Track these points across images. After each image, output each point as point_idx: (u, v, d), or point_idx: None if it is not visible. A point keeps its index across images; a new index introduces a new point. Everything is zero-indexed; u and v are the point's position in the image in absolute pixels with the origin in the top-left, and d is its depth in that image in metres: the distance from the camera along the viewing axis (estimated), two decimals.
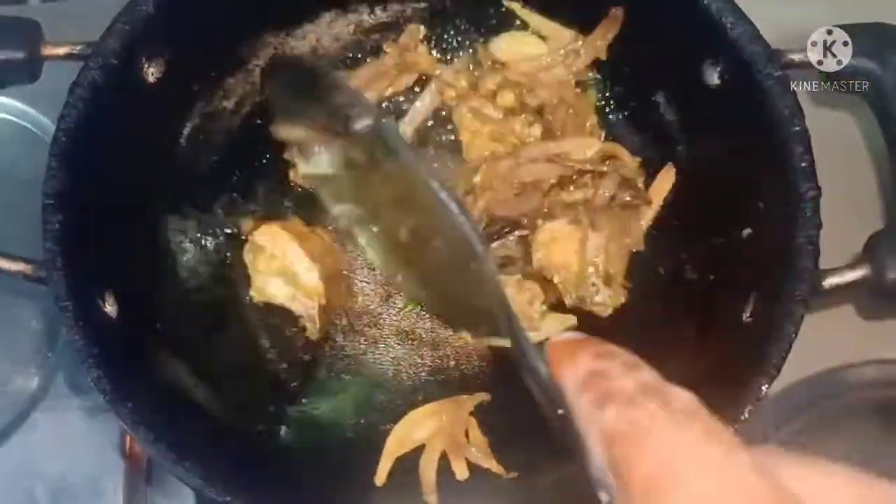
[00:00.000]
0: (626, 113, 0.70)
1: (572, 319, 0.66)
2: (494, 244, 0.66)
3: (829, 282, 0.54)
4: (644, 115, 0.68)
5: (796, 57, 0.59)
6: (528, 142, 0.69)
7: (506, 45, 0.71)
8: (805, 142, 0.54)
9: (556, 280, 0.64)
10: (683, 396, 0.30)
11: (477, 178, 0.67)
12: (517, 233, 0.66)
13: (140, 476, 0.67)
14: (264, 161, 0.70)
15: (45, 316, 0.74)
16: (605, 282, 0.65)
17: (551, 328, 0.66)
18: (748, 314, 0.55)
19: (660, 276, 0.66)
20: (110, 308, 0.54)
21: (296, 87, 0.54)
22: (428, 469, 0.60)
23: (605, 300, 0.65)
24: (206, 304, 0.64)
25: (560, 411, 0.33)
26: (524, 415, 0.62)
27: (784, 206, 0.54)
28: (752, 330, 0.54)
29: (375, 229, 0.49)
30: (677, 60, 0.63)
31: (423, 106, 0.71)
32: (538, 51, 0.70)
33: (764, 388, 0.50)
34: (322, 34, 0.71)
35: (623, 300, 0.65)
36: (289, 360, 0.65)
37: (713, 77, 0.61)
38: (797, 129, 0.55)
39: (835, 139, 0.66)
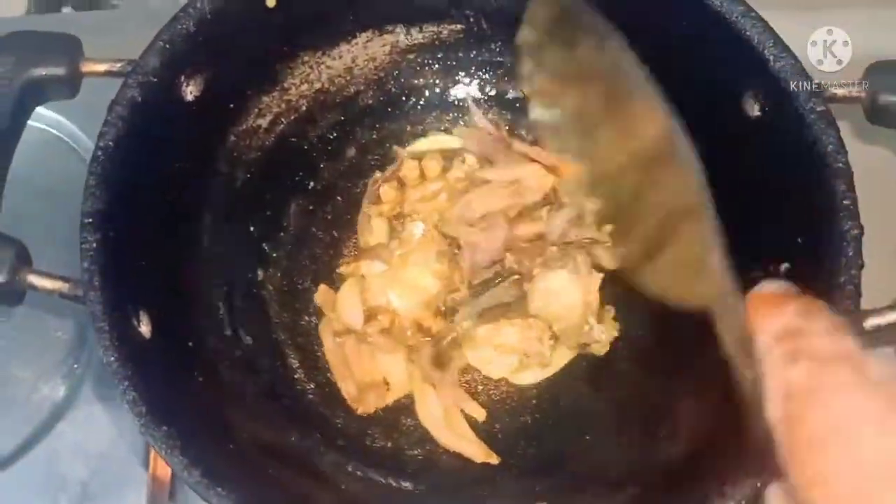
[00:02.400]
0: None
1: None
2: (486, 294, 0.65)
3: (871, 322, 0.53)
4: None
5: (839, 91, 0.58)
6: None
7: None
8: (848, 179, 0.54)
9: (554, 328, 0.64)
10: (885, 371, 0.30)
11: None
12: (511, 278, 0.65)
13: (164, 489, 0.67)
14: (297, 178, 0.71)
15: (71, 326, 0.74)
16: (598, 319, 0.65)
17: (562, 362, 0.66)
18: None
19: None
20: (145, 328, 0.54)
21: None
22: None
23: (601, 337, 0.65)
24: (236, 323, 0.64)
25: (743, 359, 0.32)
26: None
27: (825, 244, 0.53)
28: None
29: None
30: (716, 90, 0.62)
31: None
32: None
33: None
34: (357, 54, 0.71)
35: (616, 334, 0.65)
36: (316, 380, 0.65)
37: (754, 108, 0.60)
38: (840, 165, 0.54)
39: (877, 174, 0.65)
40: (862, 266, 0.52)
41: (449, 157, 0.71)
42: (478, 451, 0.62)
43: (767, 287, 0.36)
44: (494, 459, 0.62)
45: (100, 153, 0.54)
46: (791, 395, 0.30)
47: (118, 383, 0.48)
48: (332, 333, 0.66)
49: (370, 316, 0.65)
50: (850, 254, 0.52)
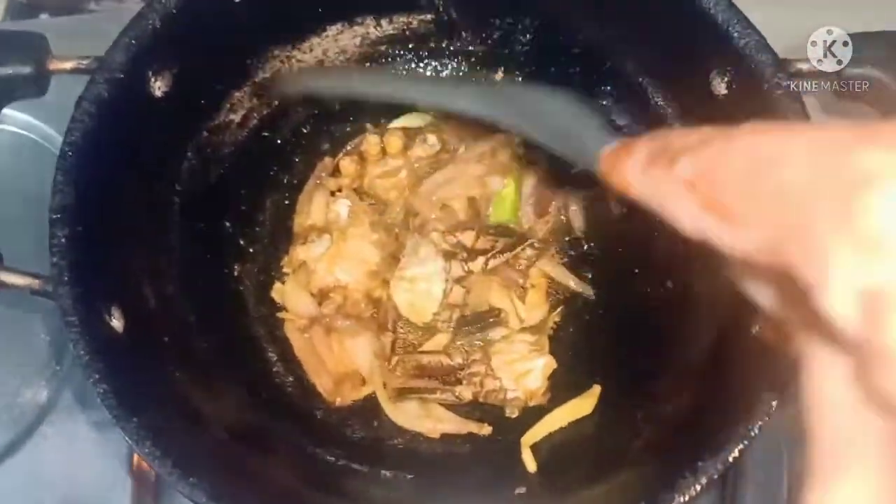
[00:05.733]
0: (632, 124, 0.69)
1: None
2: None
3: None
4: (650, 126, 0.68)
5: (804, 66, 0.58)
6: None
7: None
8: None
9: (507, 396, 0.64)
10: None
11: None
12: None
13: (148, 490, 0.67)
14: (271, 173, 0.71)
15: (53, 329, 0.74)
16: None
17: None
18: (758, 328, 0.54)
19: (669, 290, 0.65)
20: (117, 322, 0.53)
21: None
22: None
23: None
24: (212, 318, 0.64)
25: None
26: None
27: None
28: (761, 344, 0.54)
29: None
30: (684, 70, 0.62)
31: None
32: None
33: (774, 403, 0.49)
34: (328, 47, 0.71)
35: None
36: (295, 373, 0.65)
37: (720, 87, 0.60)
38: None
39: None
40: None
41: (412, 136, 0.71)
42: (468, 427, 0.63)
43: (613, 145, 0.35)
44: (486, 430, 0.63)
45: (67, 149, 0.54)
46: (692, 184, 0.28)
47: (89, 376, 0.48)
48: (298, 330, 0.66)
49: (323, 297, 0.65)
50: None
